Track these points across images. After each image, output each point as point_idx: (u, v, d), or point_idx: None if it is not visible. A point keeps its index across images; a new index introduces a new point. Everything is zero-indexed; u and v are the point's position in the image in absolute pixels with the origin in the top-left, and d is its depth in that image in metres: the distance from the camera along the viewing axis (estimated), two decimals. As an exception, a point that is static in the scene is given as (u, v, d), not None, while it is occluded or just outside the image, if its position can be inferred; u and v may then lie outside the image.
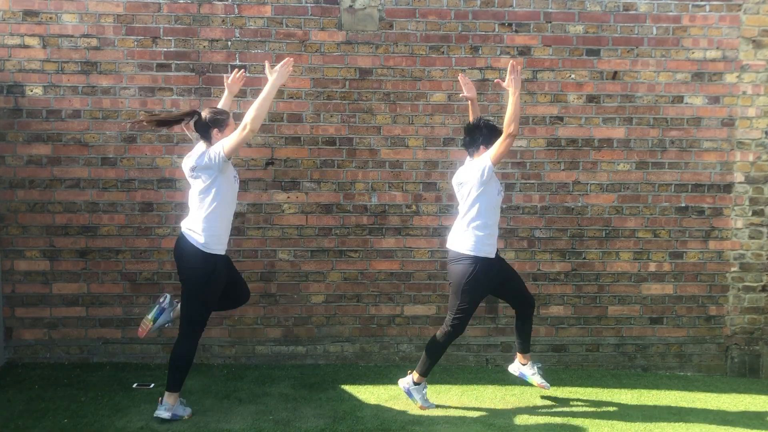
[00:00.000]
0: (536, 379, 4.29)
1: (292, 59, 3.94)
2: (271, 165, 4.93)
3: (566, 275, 5.10)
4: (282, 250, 4.96)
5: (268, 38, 4.86)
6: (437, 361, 4.19)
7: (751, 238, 5.14)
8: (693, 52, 5.03)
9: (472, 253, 3.97)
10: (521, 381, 4.54)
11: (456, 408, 4.17)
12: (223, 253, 3.89)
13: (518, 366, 4.38)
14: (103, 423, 3.80)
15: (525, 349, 4.33)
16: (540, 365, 4.38)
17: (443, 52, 4.94)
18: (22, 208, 4.82)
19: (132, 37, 4.79)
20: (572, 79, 5.01)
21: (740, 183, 5.11)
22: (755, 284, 5.16)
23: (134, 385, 4.43)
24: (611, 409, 4.24)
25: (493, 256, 4.06)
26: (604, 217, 5.09)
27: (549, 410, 4.17)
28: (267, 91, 3.78)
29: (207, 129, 3.85)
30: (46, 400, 4.15)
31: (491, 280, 4.06)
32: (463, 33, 4.94)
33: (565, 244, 5.09)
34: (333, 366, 5.00)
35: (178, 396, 3.90)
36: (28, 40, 4.74)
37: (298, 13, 4.87)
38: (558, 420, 4.01)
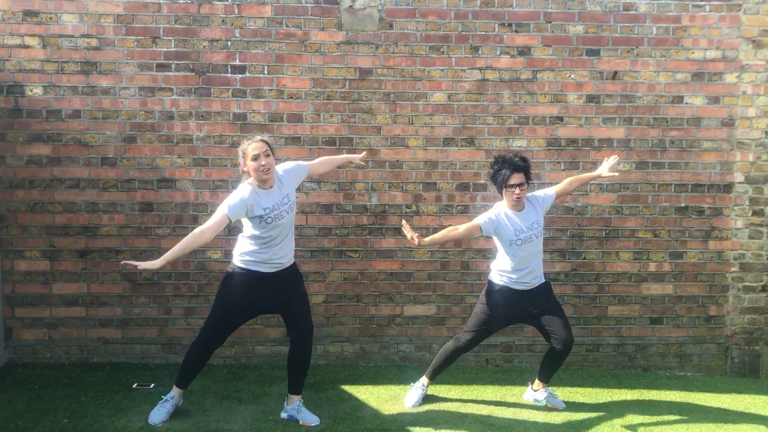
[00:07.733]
0: (550, 401, 4.25)
1: None
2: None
3: (566, 275, 5.10)
4: (282, 250, 4.96)
5: (268, 38, 4.86)
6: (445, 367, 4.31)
7: (751, 238, 5.14)
8: (693, 52, 5.04)
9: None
10: (521, 381, 4.54)
11: (456, 408, 4.17)
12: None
13: (531, 392, 4.34)
14: (103, 423, 3.80)
15: (544, 378, 4.28)
16: (552, 391, 4.33)
17: (443, 52, 4.94)
18: (22, 208, 4.82)
19: (132, 37, 4.79)
20: (572, 79, 5.01)
21: (740, 183, 5.11)
22: (755, 284, 5.16)
23: (134, 385, 4.43)
24: (611, 409, 4.24)
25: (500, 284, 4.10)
26: (604, 217, 5.09)
27: (549, 410, 4.17)
28: None
29: None
30: (46, 400, 4.15)
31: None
32: (463, 33, 4.94)
33: (565, 244, 5.09)
34: (333, 366, 5.00)
35: (177, 393, 3.89)
36: (28, 40, 4.74)
37: (298, 13, 4.87)
38: (558, 420, 4.01)
